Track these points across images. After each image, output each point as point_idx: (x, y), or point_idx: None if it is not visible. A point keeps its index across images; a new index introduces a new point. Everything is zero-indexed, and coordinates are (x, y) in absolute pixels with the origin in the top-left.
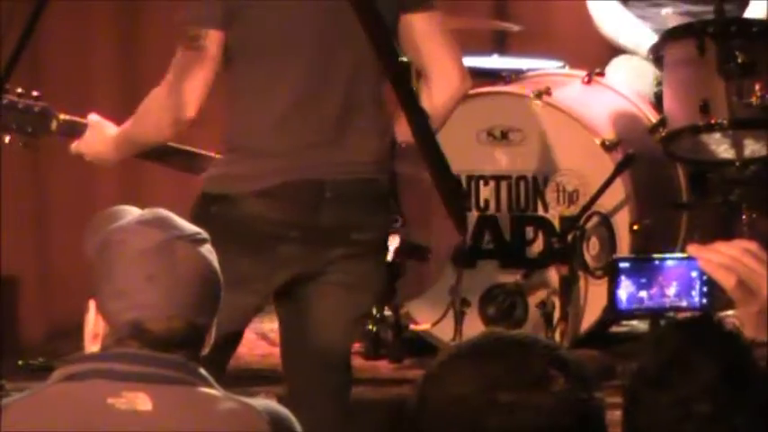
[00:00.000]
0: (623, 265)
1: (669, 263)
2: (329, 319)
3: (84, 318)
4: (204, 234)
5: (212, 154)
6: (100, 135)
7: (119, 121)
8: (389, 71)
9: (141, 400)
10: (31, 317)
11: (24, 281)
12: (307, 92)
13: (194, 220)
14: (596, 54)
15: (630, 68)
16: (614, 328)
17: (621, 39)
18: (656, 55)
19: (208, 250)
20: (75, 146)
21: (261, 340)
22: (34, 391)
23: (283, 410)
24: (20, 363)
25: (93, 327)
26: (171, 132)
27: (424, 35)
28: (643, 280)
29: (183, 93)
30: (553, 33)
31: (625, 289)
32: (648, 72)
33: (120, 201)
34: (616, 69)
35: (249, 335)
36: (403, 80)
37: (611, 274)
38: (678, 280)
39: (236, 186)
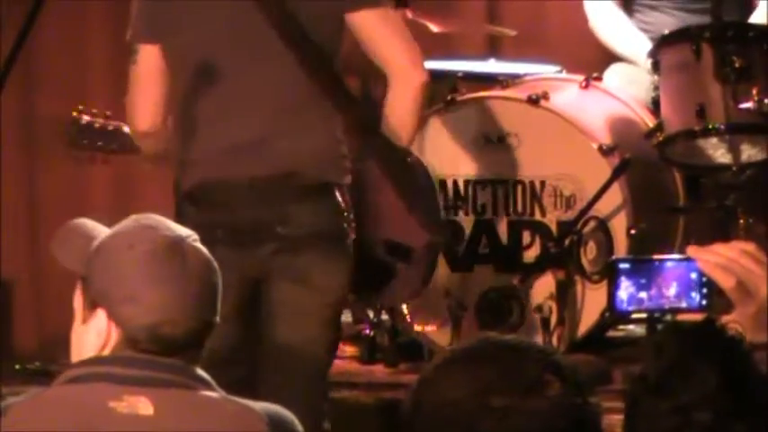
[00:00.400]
0: (623, 266)
1: (669, 264)
2: (282, 315)
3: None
4: (195, 234)
5: None
6: None
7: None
8: (314, 78)
9: (143, 404)
10: (26, 321)
11: (18, 285)
12: (229, 99)
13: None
14: (593, 59)
15: (627, 75)
16: (611, 333)
17: (619, 47)
18: (653, 60)
19: (209, 250)
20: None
21: None
22: (36, 393)
23: (284, 412)
24: (17, 367)
25: (106, 336)
26: (142, 144)
27: (370, 36)
28: (642, 281)
29: (132, 107)
30: (550, 38)
31: (625, 290)
32: (645, 79)
33: (112, 205)
34: (613, 75)
35: None
36: (328, 81)
37: (611, 274)
38: (678, 281)
39: (179, 192)
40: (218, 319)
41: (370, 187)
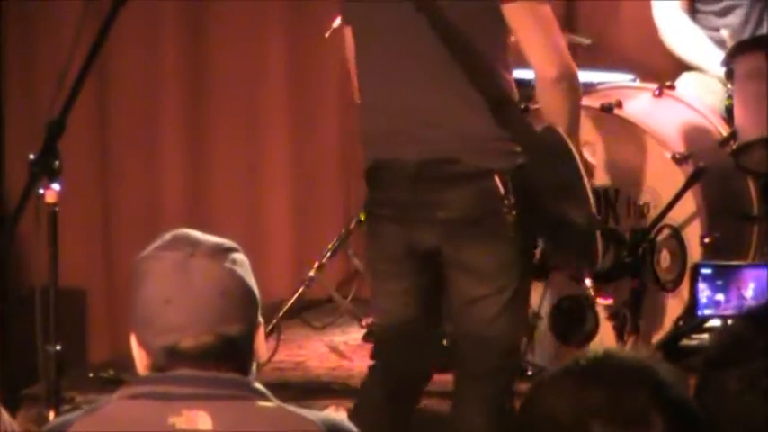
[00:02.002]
0: (705, 270)
1: (747, 269)
2: (457, 306)
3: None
4: (228, 244)
5: None
6: None
7: (185, 123)
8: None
9: (201, 419)
10: (100, 329)
11: (92, 293)
12: (388, 79)
13: None
14: (666, 67)
15: (699, 84)
16: (685, 341)
17: (689, 56)
18: (727, 68)
19: (231, 260)
20: None
21: (332, 353)
22: (94, 408)
23: (343, 422)
24: (90, 375)
25: (138, 359)
26: None
27: (514, 27)
28: (720, 283)
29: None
30: (623, 46)
31: (705, 294)
32: (717, 88)
33: (185, 213)
34: (686, 84)
35: (320, 347)
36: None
37: (693, 279)
38: (756, 282)
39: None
40: (246, 328)
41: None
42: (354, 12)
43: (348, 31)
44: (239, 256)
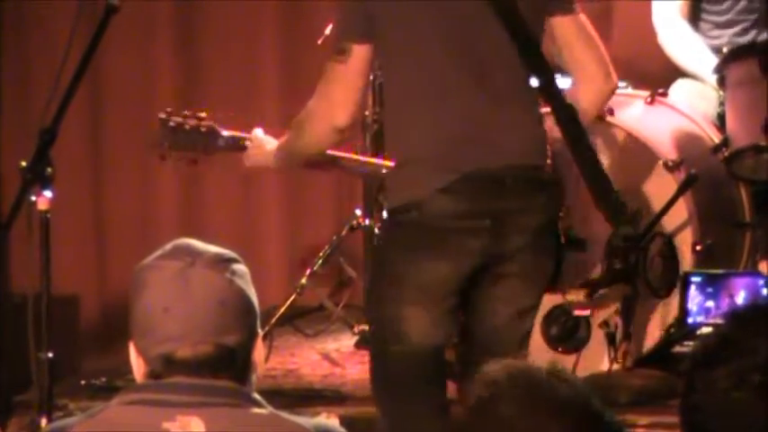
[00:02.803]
0: (695, 279)
1: (738, 277)
2: (499, 309)
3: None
4: (229, 254)
5: (379, 160)
6: (260, 150)
7: None
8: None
9: (195, 424)
10: (92, 336)
11: (84, 300)
12: (457, 88)
13: (385, 241)
14: (659, 74)
15: (693, 91)
16: (677, 348)
17: (686, 62)
18: (719, 75)
19: (231, 271)
20: (244, 158)
21: (324, 360)
22: (92, 413)
23: (335, 429)
24: (82, 383)
25: (136, 367)
26: (329, 141)
27: (565, 39)
28: (709, 290)
29: (332, 104)
30: (615, 53)
31: (695, 302)
32: (711, 95)
33: (177, 220)
34: (679, 91)
35: (312, 355)
36: (548, 81)
37: (682, 287)
38: (746, 290)
39: (418, 191)
40: (243, 339)
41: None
42: (394, 21)
43: (364, 50)
44: (240, 267)
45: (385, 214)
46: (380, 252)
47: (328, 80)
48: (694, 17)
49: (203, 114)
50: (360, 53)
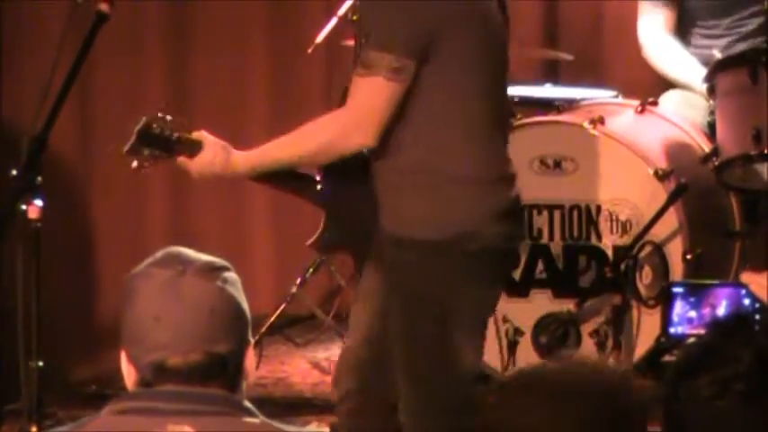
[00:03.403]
0: (677, 289)
1: (721, 288)
2: None
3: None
4: (220, 263)
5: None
6: (221, 155)
7: None
8: None
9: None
10: (82, 345)
11: (73, 309)
12: (497, 117)
13: (433, 275)
14: (649, 83)
15: (683, 100)
16: (667, 358)
17: (672, 73)
18: (709, 84)
19: (222, 279)
20: (185, 163)
21: (314, 369)
22: (82, 423)
23: None
24: (72, 391)
25: (127, 375)
26: (343, 156)
27: None
28: (692, 299)
29: (379, 123)
30: (606, 63)
31: (678, 312)
32: (701, 104)
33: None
34: (669, 100)
35: (302, 363)
36: None
37: (666, 299)
38: (728, 300)
39: (474, 217)
40: (235, 347)
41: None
42: (455, 41)
43: (416, 69)
44: (231, 275)
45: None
46: (425, 287)
47: (380, 98)
48: (683, 30)
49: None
50: (414, 71)
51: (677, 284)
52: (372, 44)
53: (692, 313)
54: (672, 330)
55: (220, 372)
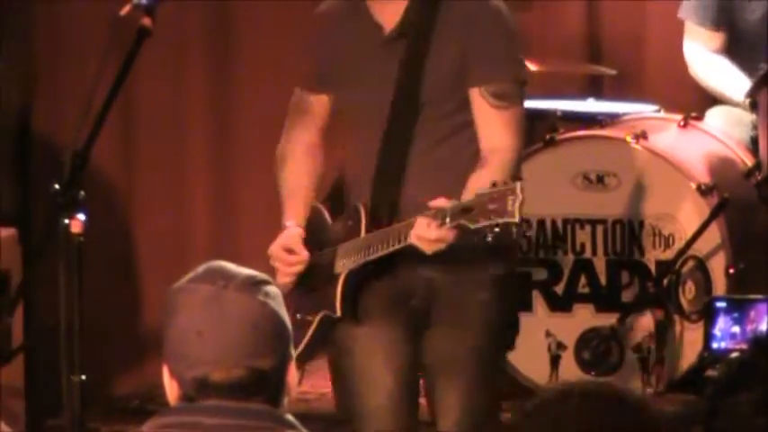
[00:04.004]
0: (720, 304)
1: (763, 303)
2: None
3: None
4: (261, 276)
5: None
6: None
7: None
8: None
9: None
10: (125, 359)
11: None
12: None
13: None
14: (692, 98)
15: (729, 117)
16: (710, 372)
17: (718, 88)
18: (751, 99)
19: (264, 293)
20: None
21: None
22: None
23: None
24: (115, 406)
25: (169, 390)
26: None
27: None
28: (735, 314)
29: (285, 142)
30: (649, 77)
31: (720, 327)
32: (747, 120)
33: (211, 245)
34: (713, 118)
35: None
36: None
37: (709, 313)
38: None
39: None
40: (277, 363)
41: None
42: None
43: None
44: (272, 289)
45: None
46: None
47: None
48: (741, 55)
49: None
50: (314, 101)
51: (720, 299)
52: (507, 76)
53: (736, 328)
54: (714, 345)
55: (263, 387)
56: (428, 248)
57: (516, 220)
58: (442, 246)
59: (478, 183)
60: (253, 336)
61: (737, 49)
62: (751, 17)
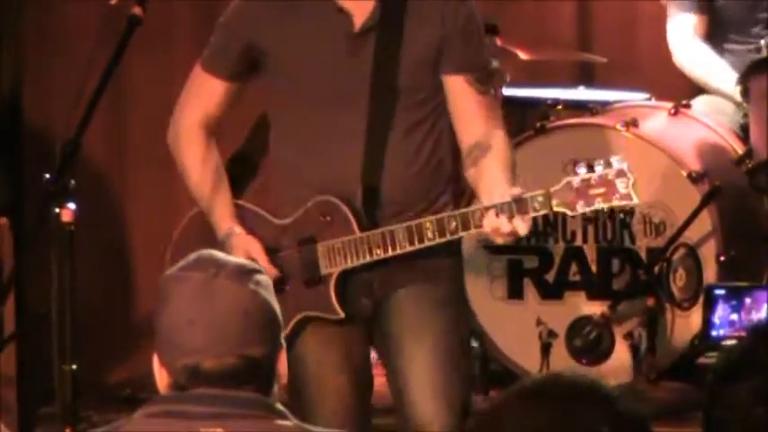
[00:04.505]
0: (718, 292)
1: (761, 290)
2: None
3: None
4: (252, 265)
5: None
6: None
7: None
8: None
9: None
10: (117, 348)
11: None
12: None
13: None
14: (682, 86)
15: (713, 106)
16: (701, 360)
17: (703, 78)
18: (743, 86)
19: (255, 282)
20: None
21: None
22: (115, 427)
23: None
24: (107, 394)
25: (159, 378)
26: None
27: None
28: (734, 302)
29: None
30: (639, 65)
31: (719, 315)
32: (731, 110)
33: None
34: (698, 105)
35: None
36: None
37: (707, 300)
38: None
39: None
40: (268, 350)
41: None
42: None
43: None
44: (263, 278)
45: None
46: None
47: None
48: (715, 34)
49: None
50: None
51: (718, 287)
52: (487, 62)
53: (734, 316)
54: (713, 333)
55: (254, 375)
56: (501, 240)
57: (636, 200)
58: (515, 237)
59: (500, 167)
60: (244, 324)
61: (714, 28)
62: None
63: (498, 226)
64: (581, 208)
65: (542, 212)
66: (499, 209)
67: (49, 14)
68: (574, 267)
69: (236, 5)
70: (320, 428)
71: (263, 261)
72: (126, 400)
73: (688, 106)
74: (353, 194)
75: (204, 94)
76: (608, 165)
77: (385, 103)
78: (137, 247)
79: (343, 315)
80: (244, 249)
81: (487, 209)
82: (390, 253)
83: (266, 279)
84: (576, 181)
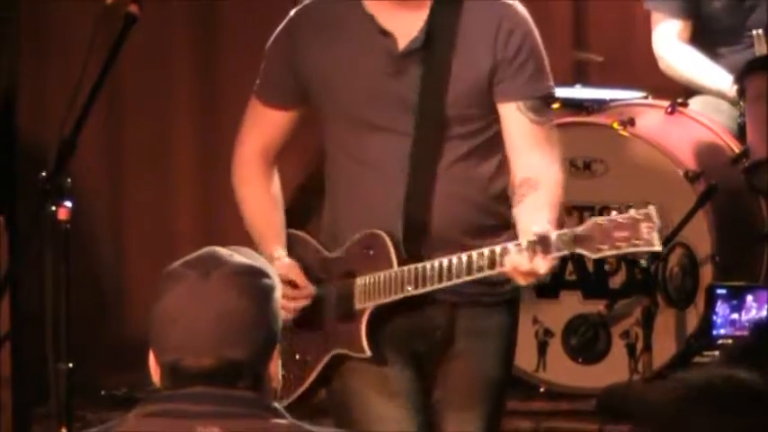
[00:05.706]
0: (720, 291)
1: (762, 290)
2: None
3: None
4: (255, 267)
5: None
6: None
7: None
8: None
9: None
10: (112, 347)
11: (104, 311)
12: None
13: None
14: (678, 85)
15: (709, 105)
16: (697, 359)
17: (697, 79)
18: (739, 86)
19: (250, 284)
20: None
21: None
22: (110, 427)
23: None
24: (102, 393)
25: (153, 373)
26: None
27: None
28: (735, 302)
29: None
30: (636, 64)
31: (720, 314)
32: (726, 108)
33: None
34: (695, 105)
35: None
36: None
37: (708, 300)
38: None
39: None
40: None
41: None
42: None
43: None
44: (262, 282)
45: None
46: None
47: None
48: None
49: None
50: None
51: (719, 287)
52: (543, 91)
53: (735, 315)
54: (714, 332)
55: (237, 376)
56: (523, 280)
57: (658, 248)
58: (537, 277)
59: (544, 209)
60: (222, 326)
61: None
62: (717, 4)
63: (518, 264)
64: (602, 252)
65: (565, 252)
66: (521, 247)
67: (45, 14)
68: (570, 266)
69: (280, 32)
70: (317, 427)
71: (301, 282)
72: (121, 399)
73: (685, 105)
74: (394, 227)
75: (260, 125)
76: (639, 208)
77: (430, 131)
78: (132, 246)
79: (369, 354)
80: (283, 268)
81: (508, 247)
82: (420, 290)
83: (267, 283)
84: (602, 221)
